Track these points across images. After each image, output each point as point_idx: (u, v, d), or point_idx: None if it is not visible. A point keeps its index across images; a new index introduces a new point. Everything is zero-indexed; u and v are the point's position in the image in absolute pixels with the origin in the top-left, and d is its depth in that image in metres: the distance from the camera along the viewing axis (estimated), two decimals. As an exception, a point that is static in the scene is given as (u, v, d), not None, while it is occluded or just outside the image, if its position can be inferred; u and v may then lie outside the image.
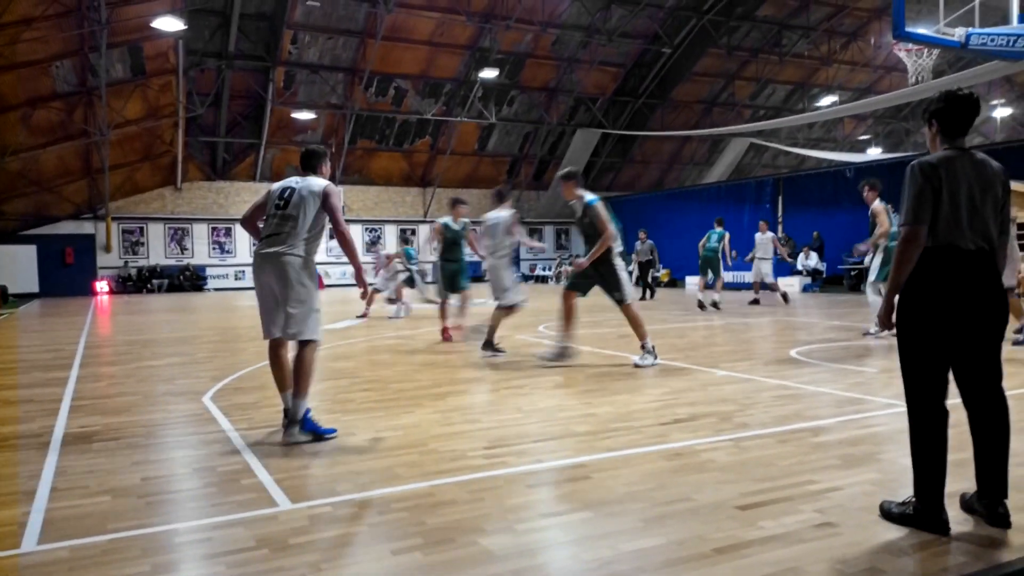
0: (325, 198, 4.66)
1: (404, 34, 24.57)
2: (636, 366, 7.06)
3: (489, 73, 25.99)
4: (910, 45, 8.24)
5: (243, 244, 28.60)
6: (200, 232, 28.07)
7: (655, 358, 7.18)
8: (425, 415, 5.19)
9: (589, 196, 7.31)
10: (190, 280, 27.63)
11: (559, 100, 29.39)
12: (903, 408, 3.07)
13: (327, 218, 4.73)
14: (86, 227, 26.45)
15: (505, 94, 28.46)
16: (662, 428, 4.67)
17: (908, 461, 2.97)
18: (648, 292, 17.72)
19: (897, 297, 2.94)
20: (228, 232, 28.40)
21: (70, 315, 16.63)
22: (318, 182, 4.74)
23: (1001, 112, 35.61)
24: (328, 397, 5.96)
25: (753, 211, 24.39)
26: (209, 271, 28.24)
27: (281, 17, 22.98)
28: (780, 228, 23.75)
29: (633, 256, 17.95)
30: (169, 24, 19.47)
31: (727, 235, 14.51)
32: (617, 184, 34.00)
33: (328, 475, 3.80)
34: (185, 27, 20.12)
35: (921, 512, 2.89)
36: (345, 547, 2.88)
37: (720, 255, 14.37)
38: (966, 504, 3.03)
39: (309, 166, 4.90)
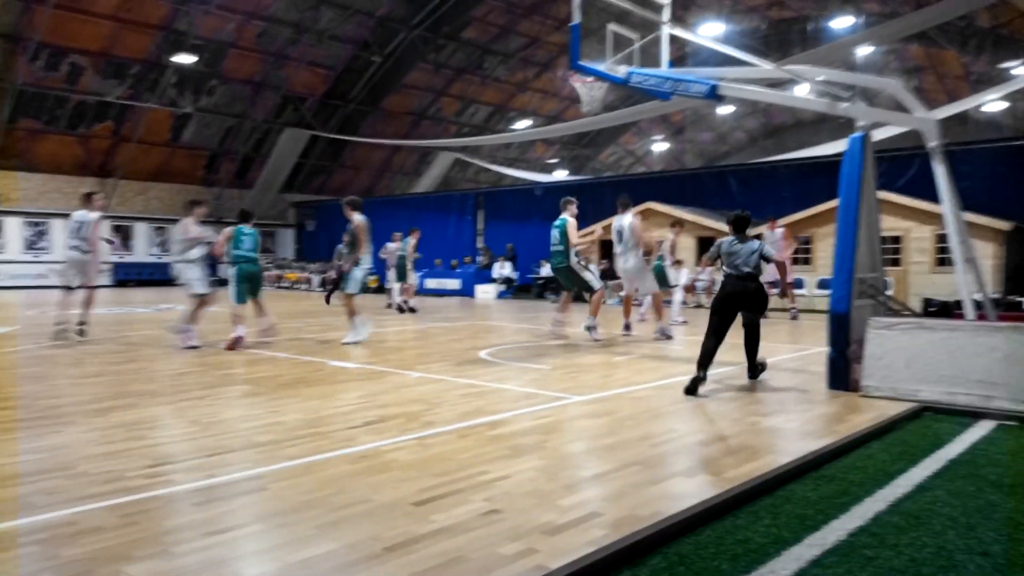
0: None
1: (83, 4, 21.63)
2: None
3: (185, 58, 23.96)
4: (587, 77, 9.17)
5: None
6: None
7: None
8: (79, 434, 4.55)
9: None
10: None
11: (265, 96, 28.04)
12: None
13: None
14: None
15: (204, 83, 26.39)
16: (350, 432, 4.62)
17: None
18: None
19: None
20: None
21: None
22: None
23: (659, 146, 41.69)
24: (-50, 419, 4.95)
25: (458, 222, 25.51)
26: None
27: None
28: (481, 239, 25.10)
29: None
30: None
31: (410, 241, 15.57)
32: (327, 188, 33.37)
33: (-66, 512, 3.13)
34: None
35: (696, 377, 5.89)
36: (-56, 597, 2.39)
37: (407, 261, 15.44)
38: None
39: None
